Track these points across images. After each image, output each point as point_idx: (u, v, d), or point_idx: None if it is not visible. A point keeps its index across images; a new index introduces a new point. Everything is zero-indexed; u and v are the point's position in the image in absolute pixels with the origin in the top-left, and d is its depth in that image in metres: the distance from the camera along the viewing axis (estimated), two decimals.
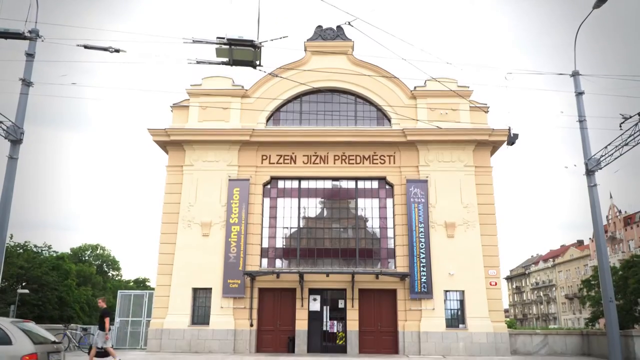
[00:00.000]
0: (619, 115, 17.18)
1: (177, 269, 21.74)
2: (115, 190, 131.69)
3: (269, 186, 23.40)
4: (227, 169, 22.93)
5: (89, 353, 16.38)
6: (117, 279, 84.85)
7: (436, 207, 22.24)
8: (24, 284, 58.22)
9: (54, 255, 67.32)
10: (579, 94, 19.45)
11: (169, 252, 22.04)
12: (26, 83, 16.96)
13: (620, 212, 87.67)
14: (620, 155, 17.61)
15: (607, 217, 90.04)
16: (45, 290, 57.32)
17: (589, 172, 18.71)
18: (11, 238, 54.45)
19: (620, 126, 17.23)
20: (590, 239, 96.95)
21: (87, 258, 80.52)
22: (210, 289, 21.62)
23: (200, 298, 21.79)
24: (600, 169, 18.39)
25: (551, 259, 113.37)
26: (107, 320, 14.26)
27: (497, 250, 21.81)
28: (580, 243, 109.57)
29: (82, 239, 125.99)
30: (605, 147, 18.16)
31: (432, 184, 22.49)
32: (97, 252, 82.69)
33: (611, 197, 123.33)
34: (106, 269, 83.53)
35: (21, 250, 59.51)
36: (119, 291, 23.06)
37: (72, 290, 62.89)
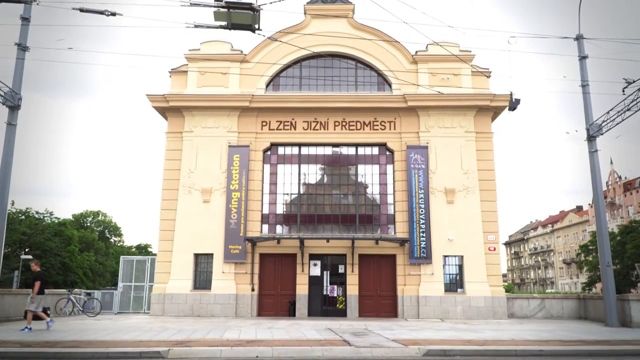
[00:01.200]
0: (622, 80, 17.01)
1: (178, 235, 21.91)
2: (115, 156, 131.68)
3: (269, 152, 23.34)
4: (226, 135, 22.82)
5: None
6: (119, 244, 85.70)
7: (436, 173, 22.24)
8: (27, 250, 58.86)
9: (56, 221, 67.77)
10: (583, 58, 19.19)
11: (170, 219, 22.15)
12: (22, 48, 16.74)
13: (620, 177, 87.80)
14: (622, 120, 17.56)
15: (607, 182, 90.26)
16: (49, 256, 57.96)
17: (590, 138, 18.63)
18: (12, 205, 54.66)
19: (623, 91, 17.11)
20: (589, 204, 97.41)
21: (88, 224, 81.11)
22: (212, 254, 21.84)
23: (202, 263, 22.04)
24: (602, 134, 18.35)
25: (550, 225, 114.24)
26: (37, 284, 14.13)
27: (497, 216, 21.93)
28: (579, 209, 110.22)
29: (84, 206, 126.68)
30: (607, 113, 18.07)
31: (433, 150, 22.43)
32: (99, 218, 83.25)
33: (612, 162, 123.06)
34: (108, 235, 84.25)
35: (23, 217, 59.87)
36: (121, 257, 23.31)
37: (75, 256, 63.59)
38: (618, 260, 53.69)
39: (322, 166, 23.40)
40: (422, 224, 21.63)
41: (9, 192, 16.54)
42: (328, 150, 23.42)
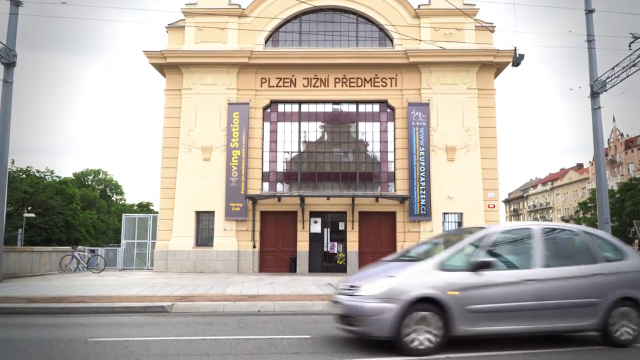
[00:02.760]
0: (628, 34, 16.60)
1: (179, 193, 22.01)
2: (115, 114, 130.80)
3: (268, 110, 23.15)
4: (226, 92, 22.57)
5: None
6: (120, 203, 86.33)
7: (437, 130, 22.13)
8: (29, 208, 59.33)
9: (57, 179, 67.97)
10: (589, 12, 18.69)
11: (170, 177, 22.20)
12: (15, 2, 16.33)
13: (622, 135, 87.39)
14: (627, 76, 17.18)
15: (608, 140, 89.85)
16: (51, 214, 58.48)
17: (594, 94, 18.29)
18: (13, 164, 54.74)
19: (630, 46, 16.66)
20: (590, 162, 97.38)
21: (90, 183, 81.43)
22: (213, 212, 21.99)
23: (204, 221, 22.22)
24: (606, 90, 17.98)
25: (550, 182, 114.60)
26: None
27: (497, 173, 21.96)
28: (579, 167, 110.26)
29: (84, 165, 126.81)
30: (612, 69, 17.67)
31: (434, 107, 22.23)
32: (100, 176, 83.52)
33: (614, 120, 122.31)
34: (109, 194, 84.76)
35: (24, 176, 60.05)
36: (123, 215, 23.52)
37: (78, 213, 64.14)
38: (616, 218, 54.36)
39: (323, 124, 23.26)
40: (423, 181, 21.68)
41: (9, 150, 16.49)
42: (328, 108, 23.23)
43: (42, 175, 67.45)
